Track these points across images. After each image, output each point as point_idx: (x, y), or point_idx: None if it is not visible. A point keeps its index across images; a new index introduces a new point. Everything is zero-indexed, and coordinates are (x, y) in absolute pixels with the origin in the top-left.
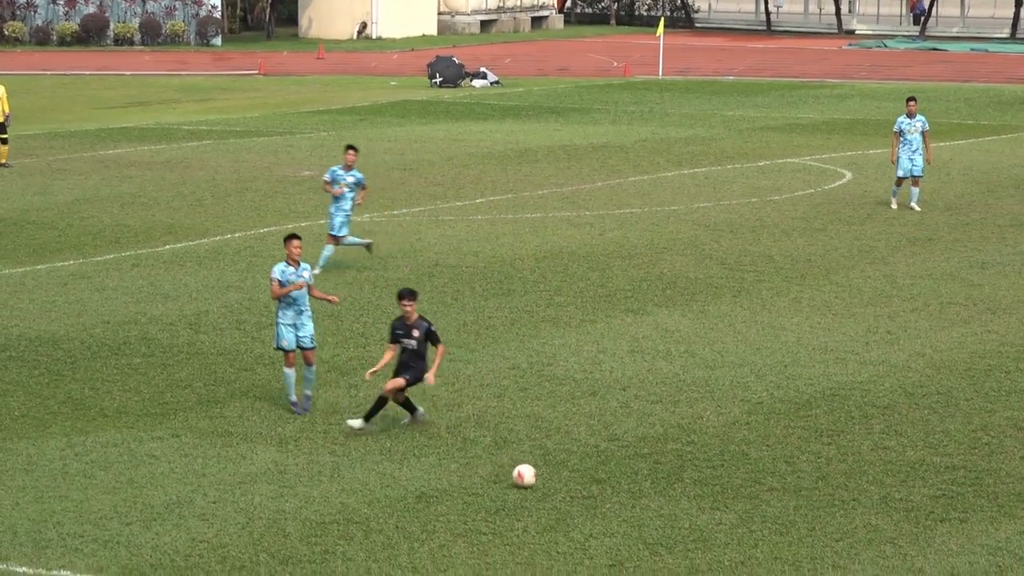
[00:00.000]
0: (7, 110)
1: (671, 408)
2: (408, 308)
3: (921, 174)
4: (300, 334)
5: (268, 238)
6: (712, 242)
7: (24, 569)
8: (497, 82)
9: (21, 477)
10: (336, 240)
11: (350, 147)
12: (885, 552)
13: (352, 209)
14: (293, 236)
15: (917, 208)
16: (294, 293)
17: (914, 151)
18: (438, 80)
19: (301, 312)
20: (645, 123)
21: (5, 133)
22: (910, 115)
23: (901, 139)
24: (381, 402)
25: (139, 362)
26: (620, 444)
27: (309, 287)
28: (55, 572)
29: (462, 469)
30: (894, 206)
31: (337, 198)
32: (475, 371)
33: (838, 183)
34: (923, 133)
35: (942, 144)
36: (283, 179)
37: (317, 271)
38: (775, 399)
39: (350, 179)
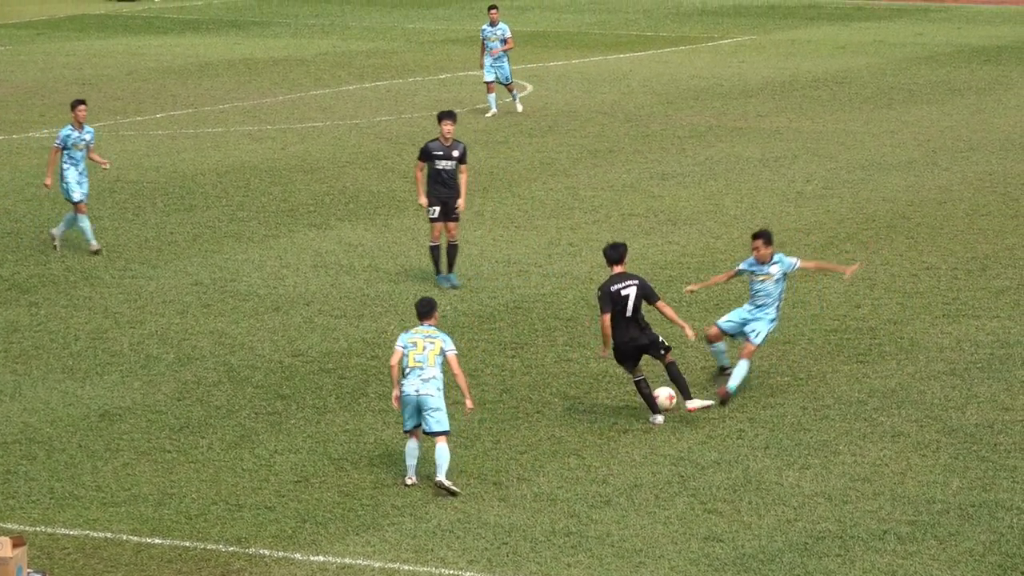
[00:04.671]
0: None
1: (355, 323)
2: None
3: (509, 79)
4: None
5: None
6: (395, 155)
7: None
8: None
9: None
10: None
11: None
12: (570, 464)
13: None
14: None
15: (520, 108)
16: (76, 154)
17: (493, 57)
18: None
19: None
20: (326, 36)
21: None
22: (492, 23)
23: (486, 46)
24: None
25: None
26: (304, 359)
27: (89, 149)
28: None
29: (145, 387)
30: (492, 114)
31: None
32: (157, 287)
33: (520, 95)
34: (504, 40)
35: (622, 56)
36: None
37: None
38: (459, 312)
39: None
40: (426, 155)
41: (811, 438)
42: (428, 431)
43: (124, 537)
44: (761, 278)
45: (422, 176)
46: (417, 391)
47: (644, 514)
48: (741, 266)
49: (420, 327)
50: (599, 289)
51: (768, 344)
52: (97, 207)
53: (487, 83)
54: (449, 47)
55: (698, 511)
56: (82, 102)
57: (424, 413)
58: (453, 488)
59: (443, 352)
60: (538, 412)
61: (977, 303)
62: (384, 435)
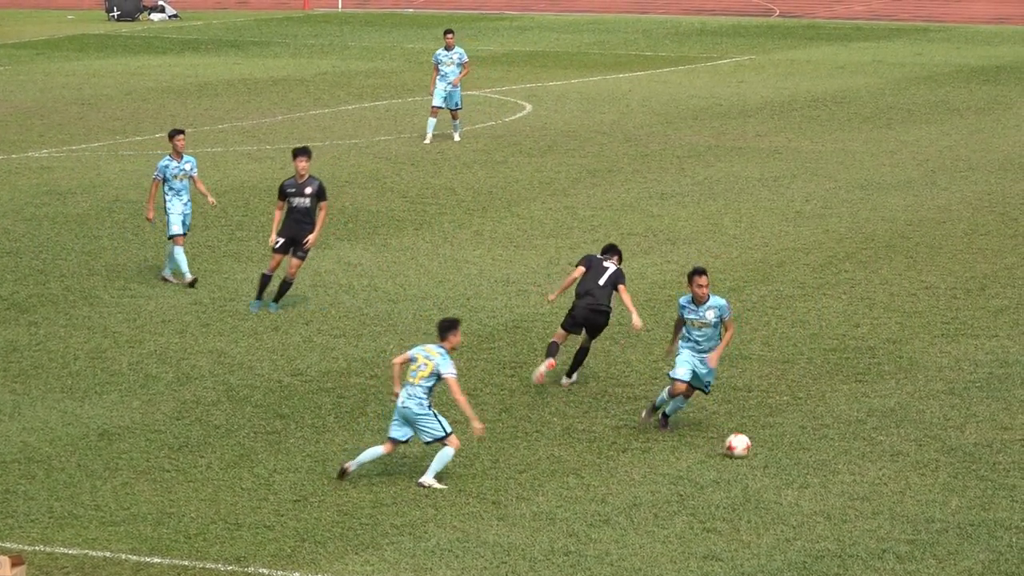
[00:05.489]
0: None
1: (354, 342)
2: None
3: (459, 106)
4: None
5: None
6: (394, 175)
7: None
8: (175, 15)
9: None
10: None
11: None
12: (568, 483)
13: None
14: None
15: (457, 138)
16: (177, 185)
17: (450, 83)
18: (116, 14)
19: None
20: (325, 56)
21: None
22: (448, 48)
23: (439, 71)
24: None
25: None
26: (303, 379)
27: (192, 179)
28: None
29: (144, 406)
30: (428, 140)
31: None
32: (156, 307)
33: (519, 115)
34: (461, 65)
35: (621, 76)
36: None
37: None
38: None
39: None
40: (281, 194)
41: (810, 457)
42: (425, 442)
43: (123, 556)
44: (699, 324)
45: (279, 215)
46: (403, 403)
47: (643, 533)
48: (682, 311)
49: (431, 345)
50: (588, 256)
51: (767, 363)
52: (96, 227)
53: (434, 108)
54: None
55: (697, 530)
56: (181, 132)
57: (415, 427)
58: (435, 485)
59: (435, 375)
60: (537, 431)
61: (976, 322)
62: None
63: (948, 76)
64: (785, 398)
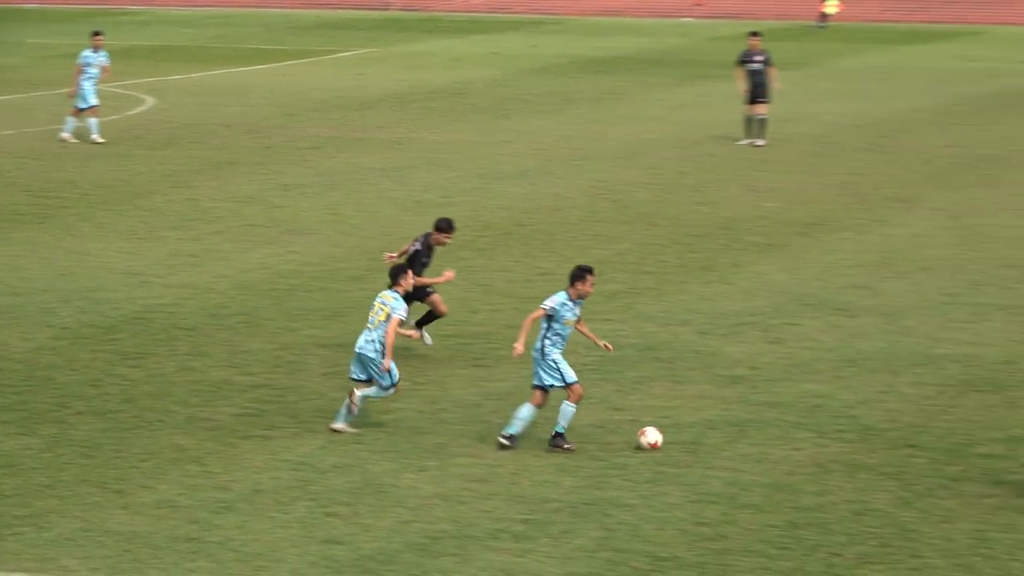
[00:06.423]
0: None
1: None
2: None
3: (97, 103)
4: None
5: None
6: (16, 169)
7: None
8: None
9: None
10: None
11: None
12: (191, 471)
13: None
14: None
15: (101, 140)
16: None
17: (95, 83)
18: None
19: None
20: None
21: None
22: (96, 49)
23: (84, 71)
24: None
25: None
26: None
27: None
28: None
29: None
30: (65, 135)
31: None
32: None
33: (140, 109)
34: (103, 68)
35: (244, 69)
36: None
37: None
38: (81, 324)
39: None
40: None
41: (428, 441)
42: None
43: None
44: (573, 323)
45: None
46: (360, 348)
47: (265, 519)
48: (556, 306)
49: (387, 291)
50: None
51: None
52: None
53: (93, 107)
54: (72, 62)
55: (318, 515)
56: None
57: (368, 370)
58: (343, 429)
59: (389, 317)
60: (160, 420)
61: (590, 306)
62: (5, 447)
63: (563, 67)
64: (404, 384)
